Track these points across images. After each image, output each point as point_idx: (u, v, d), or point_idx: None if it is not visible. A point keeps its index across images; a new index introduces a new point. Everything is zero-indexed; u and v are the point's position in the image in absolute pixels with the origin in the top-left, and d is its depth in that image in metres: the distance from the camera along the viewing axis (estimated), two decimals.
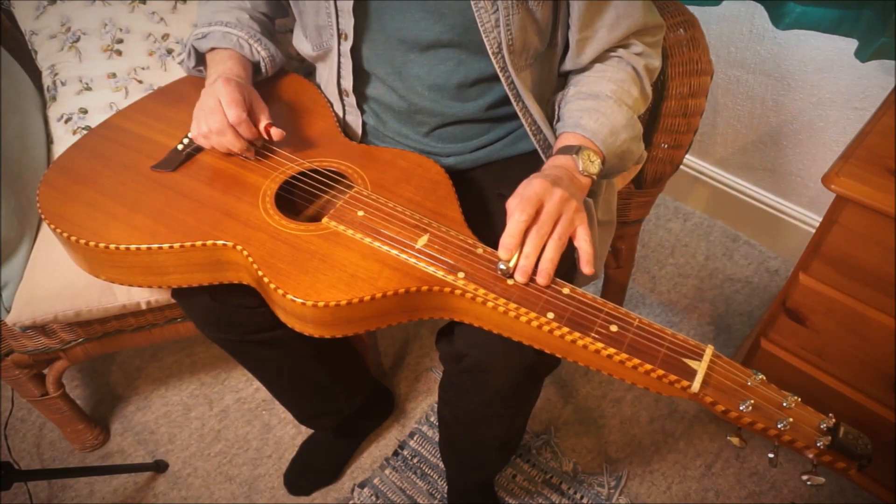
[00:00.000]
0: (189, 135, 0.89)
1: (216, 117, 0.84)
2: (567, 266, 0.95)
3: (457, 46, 0.87)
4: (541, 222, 0.72)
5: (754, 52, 1.43)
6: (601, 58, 0.89)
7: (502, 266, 0.71)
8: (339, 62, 0.93)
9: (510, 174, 0.98)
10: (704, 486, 1.32)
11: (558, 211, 0.72)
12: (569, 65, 0.92)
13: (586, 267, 0.72)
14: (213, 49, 0.95)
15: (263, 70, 0.98)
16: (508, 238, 0.71)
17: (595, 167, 0.81)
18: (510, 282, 0.72)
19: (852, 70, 1.30)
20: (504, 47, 0.83)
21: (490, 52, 0.84)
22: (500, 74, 0.86)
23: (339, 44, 0.90)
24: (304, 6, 0.91)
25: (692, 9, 1.13)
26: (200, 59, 0.99)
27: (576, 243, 0.73)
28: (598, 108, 0.84)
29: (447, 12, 0.83)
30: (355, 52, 0.91)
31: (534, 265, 0.71)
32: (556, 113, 0.91)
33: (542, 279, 0.71)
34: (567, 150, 0.82)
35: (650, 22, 0.88)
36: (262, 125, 0.88)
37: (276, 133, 0.87)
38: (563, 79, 0.98)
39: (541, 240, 0.71)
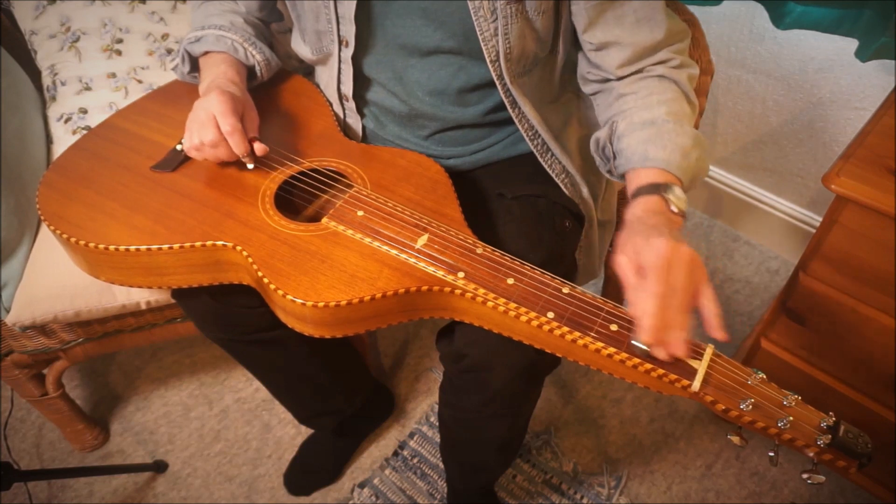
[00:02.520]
0: (182, 147, 0.88)
1: (208, 130, 0.82)
2: (567, 266, 0.95)
3: (457, 53, 0.87)
4: (679, 293, 0.63)
5: (754, 51, 1.43)
6: (642, 78, 0.83)
7: (640, 345, 0.64)
8: (339, 68, 0.92)
9: (510, 174, 0.98)
10: (705, 487, 1.32)
11: (691, 275, 0.64)
12: (595, 70, 0.87)
13: (718, 332, 0.63)
14: (206, 53, 0.94)
15: (259, 74, 0.97)
16: (651, 319, 0.62)
17: (683, 202, 0.74)
18: (510, 281, 0.72)
19: (853, 70, 1.30)
20: (501, 55, 0.83)
21: (488, 60, 0.84)
22: (497, 81, 0.86)
23: (339, 50, 0.90)
24: (302, 11, 0.91)
25: (692, 9, 1.13)
26: (195, 64, 0.97)
27: (702, 302, 0.65)
28: (661, 134, 0.77)
29: (447, 20, 0.83)
30: (355, 57, 0.91)
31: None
32: (609, 149, 0.83)
33: (681, 351, 0.64)
34: (651, 189, 0.74)
35: (675, 27, 0.83)
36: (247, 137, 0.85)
37: (258, 148, 0.85)
38: (570, 86, 0.97)
39: (684, 313, 0.64)
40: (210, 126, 0.82)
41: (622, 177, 0.82)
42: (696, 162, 0.79)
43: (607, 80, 0.87)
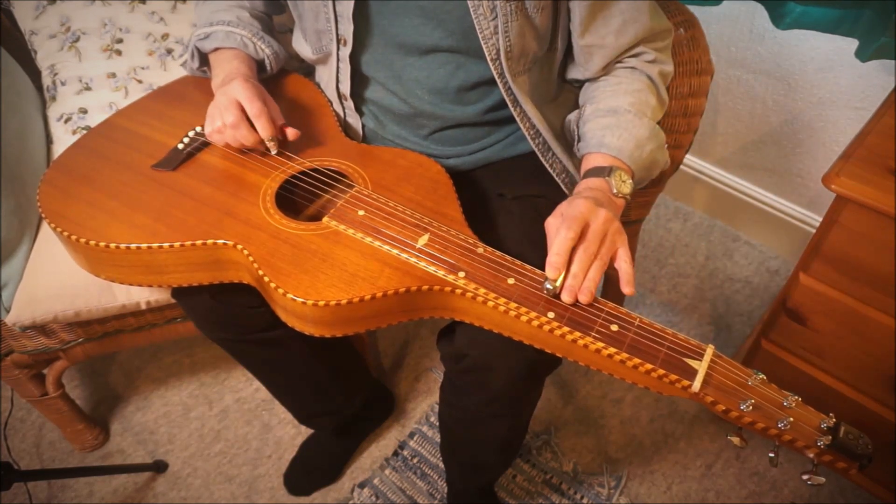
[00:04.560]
0: (193, 130, 0.89)
1: (231, 113, 0.84)
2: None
3: (456, 51, 0.87)
4: (588, 242, 0.70)
5: (754, 51, 1.43)
6: (613, 69, 0.88)
7: (549, 286, 0.69)
8: (337, 67, 0.93)
9: (511, 174, 0.98)
10: (705, 487, 1.32)
11: (604, 231, 0.71)
12: (578, 74, 0.91)
13: (627, 287, 0.71)
14: (216, 49, 0.95)
15: (268, 67, 0.99)
16: (556, 257, 0.69)
17: (628, 187, 0.80)
18: (510, 281, 0.72)
19: (853, 70, 1.30)
20: (502, 53, 0.83)
21: (488, 59, 0.84)
22: (498, 80, 0.86)
23: (337, 49, 0.90)
24: (303, 10, 0.91)
25: (692, 8, 1.13)
26: (204, 59, 0.99)
27: (616, 264, 0.72)
28: (619, 123, 0.83)
29: (446, 18, 0.83)
30: (354, 56, 0.91)
31: (581, 285, 0.70)
32: (575, 133, 0.89)
33: (584, 298, 0.69)
34: (598, 171, 0.80)
35: (657, 27, 0.86)
36: (276, 124, 0.88)
37: (291, 133, 0.88)
38: (571, 85, 0.98)
39: (589, 259, 0.70)
40: (232, 108, 0.84)
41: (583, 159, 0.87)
42: (650, 154, 0.84)
43: (587, 80, 0.92)
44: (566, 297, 0.69)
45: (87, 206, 0.84)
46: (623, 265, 0.72)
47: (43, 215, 0.84)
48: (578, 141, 0.88)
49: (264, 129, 0.85)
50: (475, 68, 0.88)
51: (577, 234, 0.70)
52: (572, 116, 0.91)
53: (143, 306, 1.10)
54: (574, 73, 0.93)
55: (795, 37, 1.34)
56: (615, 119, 0.83)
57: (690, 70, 1.09)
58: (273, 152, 0.88)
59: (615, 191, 0.79)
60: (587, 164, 0.83)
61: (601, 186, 0.79)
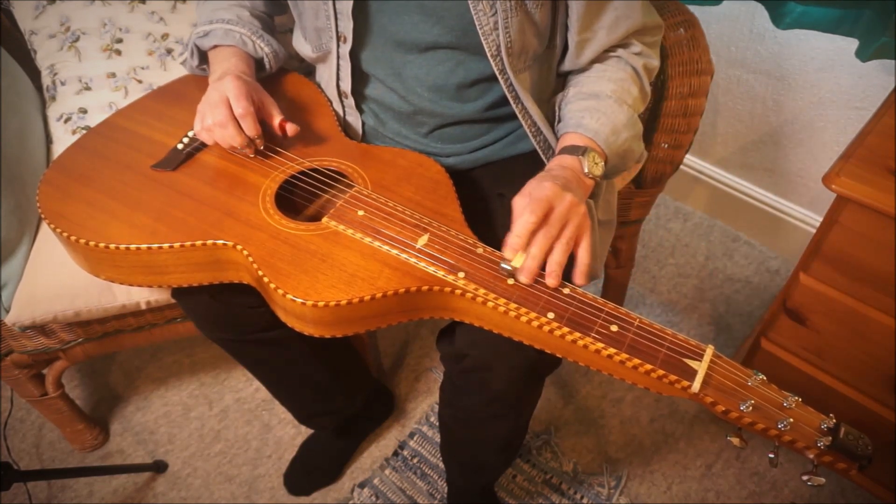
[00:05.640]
0: (192, 130, 0.89)
1: (220, 110, 0.84)
2: (567, 266, 0.95)
3: (455, 48, 0.87)
4: (549, 225, 0.71)
5: (755, 51, 1.43)
6: (600, 58, 0.89)
7: (506, 266, 0.71)
8: (338, 64, 0.93)
9: (511, 174, 0.98)
10: (705, 487, 1.32)
11: (566, 216, 0.72)
12: (568, 65, 0.92)
13: (579, 278, 0.72)
14: (215, 47, 0.95)
15: (267, 66, 0.99)
16: (515, 238, 0.70)
17: (599, 169, 0.81)
18: (510, 281, 0.72)
19: (853, 70, 1.30)
20: (503, 49, 0.83)
21: (489, 55, 0.84)
22: (499, 76, 0.86)
23: (337, 46, 0.90)
24: (303, 8, 0.91)
25: (692, 8, 1.13)
26: (203, 57, 0.99)
27: (576, 251, 0.73)
28: (599, 107, 0.84)
29: (445, 15, 0.83)
30: (354, 54, 0.91)
31: (539, 267, 0.71)
32: (557, 114, 0.90)
33: (552, 281, 0.70)
34: (572, 150, 0.82)
35: (649, 22, 0.88)
36: (276, 121, 0.88)
37: (290, 129, 0.88)
38: (563, 79, 0.98)
39: (548, 243, 0.71)
40: (221, 106, 0.84)
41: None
42: (625, 142, 0.85)
43: (575, 71, 0.93)
44: (524, 279, 0.71)
45: (86, 206, 0.84)
46: (581, 254, 0.73)
47: (42, 215, 0.84)
48: (559, 122, 0.89)
49: (248, 129, 0.85)
50: (475, 65, 0.88)
51: (539, 219, 0.70)
52: (556, 98, 0.92)
53: (143, 306, 1.10)
54: (564, 66, 0.93)
55: (795, 37, 1.34)
56: (595, 103, 0.85)
57: (690, 70, 1.09)
58: (260, 147, 0.88)
59: (587, 170, 0.80)
60: (563, 143, 0.85)
61: (573, 165, 0.80)
